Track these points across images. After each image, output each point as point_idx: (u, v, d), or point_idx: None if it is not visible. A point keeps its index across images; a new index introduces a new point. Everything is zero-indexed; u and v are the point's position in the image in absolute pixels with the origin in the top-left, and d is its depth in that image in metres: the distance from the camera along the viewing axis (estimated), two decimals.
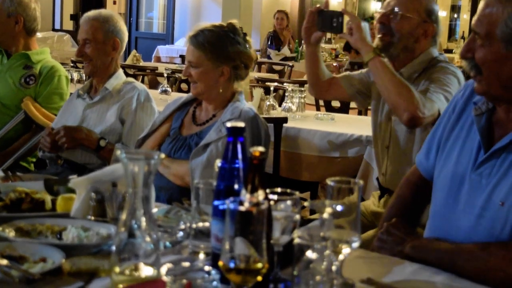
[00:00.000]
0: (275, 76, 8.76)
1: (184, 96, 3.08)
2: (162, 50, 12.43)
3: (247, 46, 2.85)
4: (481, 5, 1.93)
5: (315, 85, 3.32)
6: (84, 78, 5.69)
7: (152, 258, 1.54)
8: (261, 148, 1.53)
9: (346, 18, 2.91)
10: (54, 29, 13.70)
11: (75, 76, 5.62)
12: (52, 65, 3.86)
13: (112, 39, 3.30)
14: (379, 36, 2.96)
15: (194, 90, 2.87)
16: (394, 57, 2.96)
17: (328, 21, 2.96)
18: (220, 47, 2.79)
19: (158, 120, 3.02)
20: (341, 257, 1.63)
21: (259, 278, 1.44)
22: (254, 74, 7.66)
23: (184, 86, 6.57)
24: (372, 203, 3.12)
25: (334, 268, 1.60)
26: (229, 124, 1.64)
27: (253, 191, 1.53)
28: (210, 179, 1.77)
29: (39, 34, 4.09)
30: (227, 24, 2.85)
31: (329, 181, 1.65)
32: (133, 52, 9.23)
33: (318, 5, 3.04)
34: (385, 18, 2.96)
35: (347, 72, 3.38)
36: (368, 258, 1.95)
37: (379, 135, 3.10)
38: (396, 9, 2.92)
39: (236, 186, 1.64)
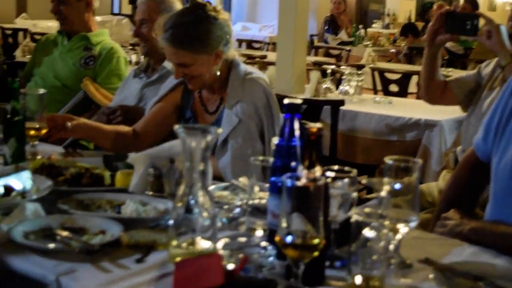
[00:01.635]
0: (332, 61, 8.69)
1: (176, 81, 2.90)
2: None
3: (220, 15, 2.65)
4: None
5: (430, 89, 3.23)
6: (142, 60, 5.75)
7: (208, 233, 1.56)
8: (318, 124, 1.52)
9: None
10: (112, 13, 13.86)
11: (134, 58, 5.69)
12: (111, 47, 3.91)
13: None
14: (510, 23, 3.04)
15: (193, 86, 2.73)
16: None
17: (460, 23, 2.91)
18: (204, 34, 2.61)
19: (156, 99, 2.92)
20: (398, 236, 1.62)
21: (316, 253, 1.44)
22: (311, 58, 7.62)
23: None
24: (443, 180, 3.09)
25: (391, 247, 1.59)
26: (286, 101, 1.63)
27: (310, 167, 1.52)
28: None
29: (98, 18, 4.15)
30: (191, 5, 2.66)
31: (388, 160, 1.64)
32: None
33: (447, 7, 2.98)
34: None
35: (458, 76, 3.32)
36: (426, 239, 1.92)
37: (478, 116, 3.08)
38: None
39: (292, 163, 1.63)
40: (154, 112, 2.89)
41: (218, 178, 2.59)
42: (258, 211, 1.81)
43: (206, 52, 2.62)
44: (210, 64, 2.65)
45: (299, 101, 1.62)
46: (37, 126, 2.42)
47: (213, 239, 1.56)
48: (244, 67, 2.77)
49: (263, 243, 1.62)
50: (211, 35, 2.61)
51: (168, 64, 3.32)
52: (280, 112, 2.69)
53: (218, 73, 2.69)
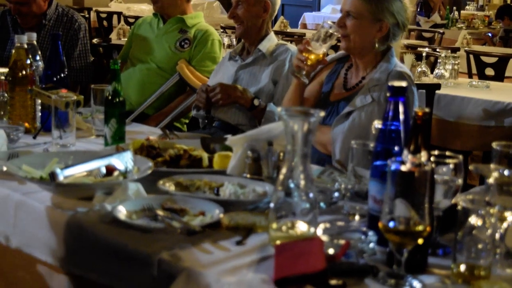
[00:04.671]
0: (425, 44, 8.50)
1: (335, 54, 2.94)
2: (309, 17, 12.37)
3: (407, 4, 2.69)
4: None
5: None
6: (234, 43, 5.78)
7: (308, 217, 1.54)
8: (426, 108, 1.48)
9: None
10: None
11: (226, 41, 5.72)
12: (206, 29, 3.93)
13: (263, 1, 3.29)
14: None
15: (345, 44, 2.70)
16: None
17: None
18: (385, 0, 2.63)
19: None
20: (505, 225, 1.56)
21: (420, 241, 1.40)
22: (403, 41, 7.47)
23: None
24: None
25: (497, 236, 1.53)
26: (390, 83, 1.59)
27: (415, 152, 1.48)
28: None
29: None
30: None
31: (495, 145, 1.58)
32: (281, 18, 9.28)
33: None
34: None
35: None
36: None
37: None
38: None
39: (395, 148, 1.59)
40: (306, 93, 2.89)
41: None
42: (357, 195, 1.79)
43: (374, 14, 2.63)
44: (369, 31, 2.65)
45: (403, 84, 1.58)
46: None
47: (313, 223, 1.55)
48: (397, 60, 2.75)
49: (363, 229, 1.60)
50: (387, 5, 2.63)
51: (263, 47, 3.31)
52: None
53: (375, 48, 2.67)
